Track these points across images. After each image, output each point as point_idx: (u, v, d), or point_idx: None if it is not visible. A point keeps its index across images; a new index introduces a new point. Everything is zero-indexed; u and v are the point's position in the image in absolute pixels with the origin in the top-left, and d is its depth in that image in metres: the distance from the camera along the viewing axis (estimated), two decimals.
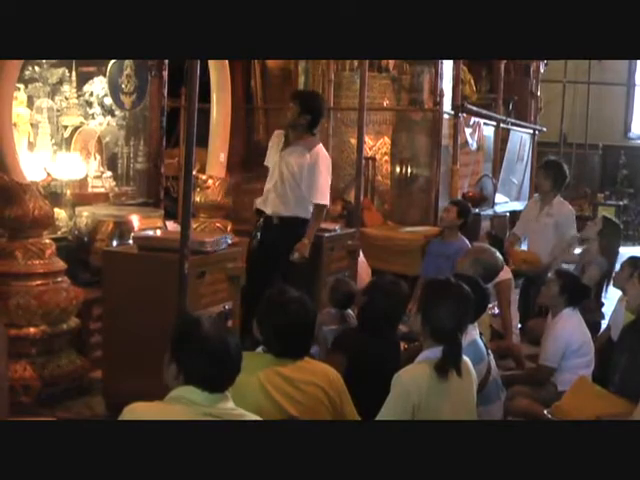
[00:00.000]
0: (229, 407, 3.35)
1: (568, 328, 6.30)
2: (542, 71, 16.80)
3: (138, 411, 3.28)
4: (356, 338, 5.33)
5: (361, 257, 8.43)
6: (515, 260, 8.86)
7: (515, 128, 14.46)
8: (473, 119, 12.16)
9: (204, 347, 3.37)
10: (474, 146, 12.26)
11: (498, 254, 6.94)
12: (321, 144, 7.50)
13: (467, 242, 8.17)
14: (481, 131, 12.51)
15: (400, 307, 5.44)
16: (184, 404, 3.28)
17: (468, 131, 11.93)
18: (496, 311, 8.08)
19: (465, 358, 4.36)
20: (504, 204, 13.05)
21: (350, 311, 6.37)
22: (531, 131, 15.54)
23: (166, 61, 9.13)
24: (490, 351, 5.59)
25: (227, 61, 8.66)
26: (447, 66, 11.81)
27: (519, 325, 8.40)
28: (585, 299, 6.69)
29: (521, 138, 14.83)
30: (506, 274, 7.74)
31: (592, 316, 7.56)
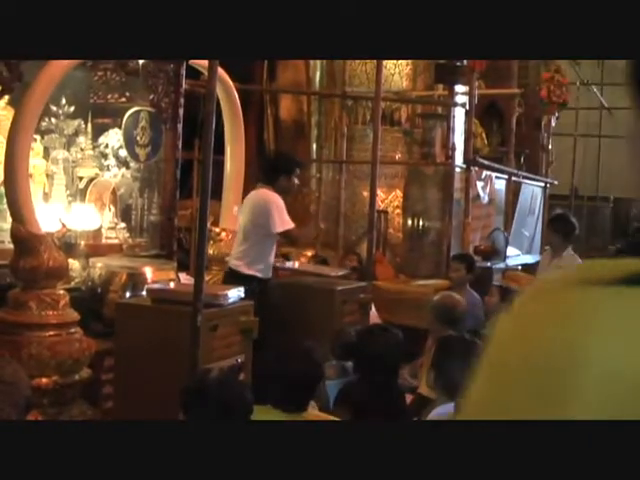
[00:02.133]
0: None
1: None
2: (553, 124, 16.87)
3: None
4: (357, 389, 5.31)
5: (373, 310, 8.44)
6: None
7: (526, 181, 14.49)
8: (485, 173, 12.18)
9: (208, 401, 3.40)
10: (486, 199, 12.27)
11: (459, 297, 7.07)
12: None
13: (476, 295, 8.18)
14: (493, 184, 12.54)
15: (391, 354, 5.39)
16: None
17: (480, 184, 11.95)
18: None
19: None
20: (516, 257, 13.03)
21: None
22: (542, 184, 15.57)
23: (181, 113, 9.20)
24: None
25: (241, 112, 8.74)
26: (459, 119, 11.89)
27: None
28: None
29: (532, 191, 14.85)
30: None
31: None
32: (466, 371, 3.45)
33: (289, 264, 8.89)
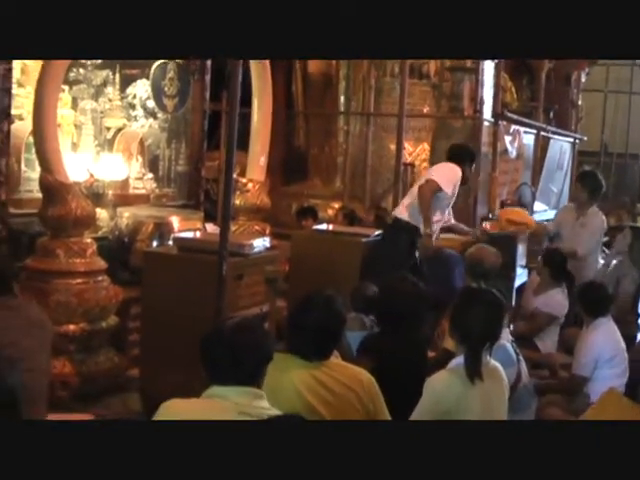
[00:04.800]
0: (264, 406, 3.42)
1: (601, 337, 6.31)
2: (583, 80, 16.75)
3: (174, 407, 3.36)
4: (380, 342, 5.34)
5: None
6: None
7: (555, 137, 14.40)
8: (513, 127, 12.12)
9: (222, 345, 3.47)
10: (513, 154, 12.22)
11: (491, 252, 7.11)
12: None
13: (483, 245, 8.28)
14: (521, 139, 12.48)
15: (419, 307, 5.41)
16: (219, 401, 3.35)
17: (508, 139, 11.90)
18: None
19: (496, 363, 4.39)
20: (543, 212, 12.98)
21: (372, 316, 6.41)
22: (571, 140, 15.48)
23: (208, 65, 9.23)
24: (521, 357, 5.61)
25: (268, 65, 8.73)
26: (488, 73, 11.81)
27: None
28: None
29: (561, 147, 14.77)
30: (558, 311, 7.82)
31: (628, 329, 7.56)
32: (482, 322, 3.48)
33: (322, 226, 8.87)
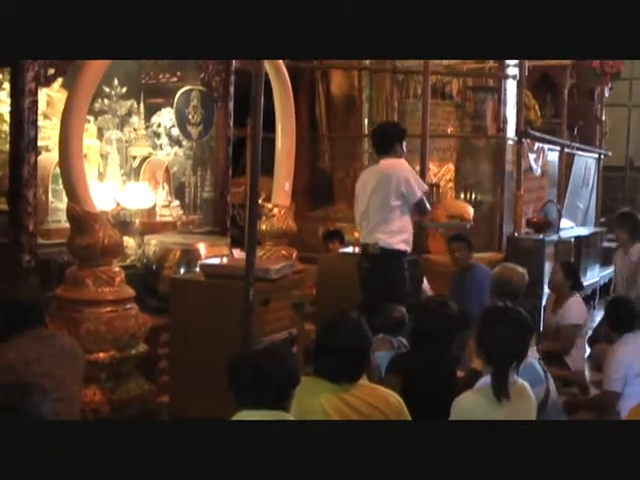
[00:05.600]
0: None
1: (629, 352, 6.30)
2: (607, 95, 16.72)
3: None
4: (409, 361, 5.37)
5: (425, 283, 8.49)
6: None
7: (580, 153, 14.41)
8: (537, 145, 12.15)
9: (249, 370, 3.50)
10: (538, 172, 12.24)
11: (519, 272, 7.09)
12: None
13: (483, 270, 8.30)
14: (545, 156, 12.50)
15: (449, 328, 5.44)
16: None
17: (532, 157, 11.92)
18: None
19: (523, 382, 4.40)
20: (569, 229, 12.98)
21: (401, 338, 6.44)
22: (596, 155, 15.47)
23: (232, 92, 9.28)
24: (549, 375, 5.61)
25: (291, 89, 8.79)
26: (510, 92, 11.84)
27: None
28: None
29: (586, 163, 14.77)
30: (582, 317, 7.83)
31: None
32: (509, 340, 3.50)
33: (349, 249, 8.91)
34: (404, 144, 7.61)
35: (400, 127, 8.20)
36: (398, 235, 7.28)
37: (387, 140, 7.48)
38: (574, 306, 7.90)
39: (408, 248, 7.39)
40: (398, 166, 7.31)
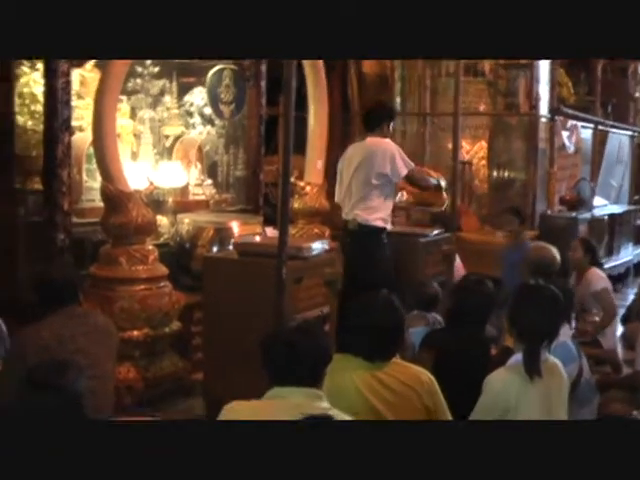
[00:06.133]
0: (324, 407, 3.46)
1: None
2: None
3: (236, 409, 3.44)
4: (443, 337, 5.38)
5: (458, 261, 8.47)
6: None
7: (613, 130, 14.31)
8: (570, 122, 12.09)
9: (281, 347, 3.52)
10: (571, 149, 12.19)
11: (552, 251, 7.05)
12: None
13: (538, 243, 8.18)
14: (578, 134, 12.44)
15: (486, 306, 5.44)
16: (280, 402, 3.41)
17: (565, 134, 11.87)
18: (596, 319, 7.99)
19: (555, 360, 4.40)
20: (603, 207, 12.91)
21: (435, 314, 6.46)
22: (630, 133, 15.35)
23: (264, 70, 9.29)
24: (583, 353, 5.60)
25: (323, 68, 8.78)
26: (543, 69, 11.78)
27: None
28: None
29: (620, 140, 14.66)
30: (603, 282, 7.75)
31: None
32: (540, 318, 3.50)
33: None
34: (392, 125, 7.59)
35: (390, 108, 8.19)
36: (376, 212, 7.25)
37: (376, 118, 7.48)
38: (591, 275, 7.84)
39: (387, 225, 7.35)
40: (384, 144, 7.28)
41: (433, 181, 7.63)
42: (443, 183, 7.82)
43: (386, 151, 7.19)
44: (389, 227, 7.39)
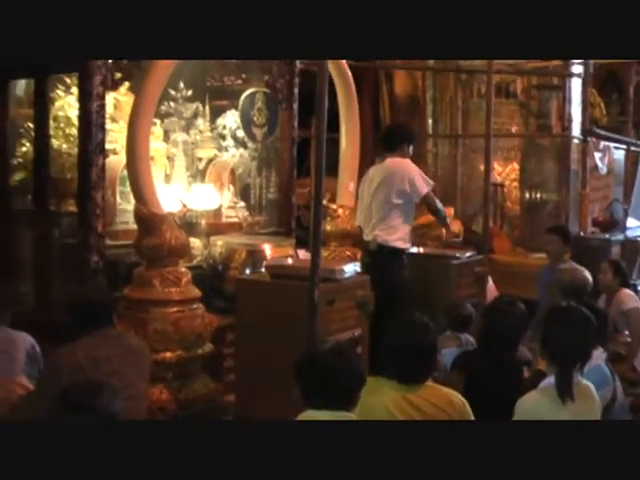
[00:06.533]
0: None
1: None
2: None
3: None
4: (474, 359, 5.37)
5: (490, 283, 8.45)
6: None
7: None
8: (603, 143, 12.04)
9: (317, 370, 3.53)
10: (604, 170, 12.13)
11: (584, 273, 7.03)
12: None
13: (573, 265, 8.14)
14: (611, 155, 12.38)
15: (518, 328, 5.43)
16: None
17: (598, 155, 11.82)
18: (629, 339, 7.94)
19: (588, 383, 4.38)
20: (636, 228, 12.83)
21: (467, 335, 6.46)
22: None
23: (296, 93, 9.33)
24: (617, 376, 5.57)
25: (355, 91, 8.81)
26: (575, 90, 11.76)
27: None
28: None
29: None
30: (634, 302, 7.70)
31: None
32: (572, 340, 3.49)
33: (414, 249, 8.90)
34: (411, 147, 7.63)
35: (410, 130, 8.26)
36: (396, 232, 7.31)
37: (396, 139, 7.54)
38: (621, 295, 7.80)
39: (407, 246, 7.42)
40: (404, 164, 7.37)
41: (442, 211, 7.63)
42: (448, 220, 7.83)
43: (406, 170, 7.26)
44: (409, 247, 7.43)
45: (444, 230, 8.85)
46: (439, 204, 7.55)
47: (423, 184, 7.24)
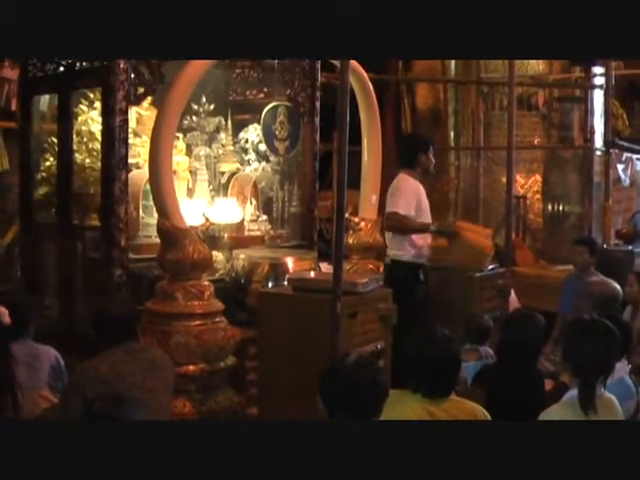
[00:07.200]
0: None
1: None
2: None
3: None
4: (495, 372, 5.37)
5: (513, 296, 8.44)
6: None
7: None
8: (626, 154, 12.02)
9: (341, 383, 3.54)
10: (627, 182, 12.11)
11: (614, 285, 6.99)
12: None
13: (601, 278, 8.11)
14: (634, 166, 12.36)
15: (537, 339, 5.43)
16: None
17: (620, 167, 11.80)
18: None
19: (611, 396, 4.37)
20: None
21: (486, 347, 6.45)
22: None
23: (318, 106, 9.35)
24: None
25: (377, 104, 8.83)
26: (597, 101, 11.75)
27: None
28: None
29: None
30: None
31: None
32: (595, 353, 3.46)
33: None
34: (429, 153, 7.87)
35: (417, 138, 8.67)
36: (406, 248, 7.52)
37: (404, 153, 7.97)
38: None
39: (419, 260, 7.56)
40: (395, 182, 7.68)
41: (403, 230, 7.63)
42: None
43: (392, 187, 7.62)
44: (424, 261, 7.49)
45: None
46: (415, 224, 7.60)
47: (391, 202, 7.52)
